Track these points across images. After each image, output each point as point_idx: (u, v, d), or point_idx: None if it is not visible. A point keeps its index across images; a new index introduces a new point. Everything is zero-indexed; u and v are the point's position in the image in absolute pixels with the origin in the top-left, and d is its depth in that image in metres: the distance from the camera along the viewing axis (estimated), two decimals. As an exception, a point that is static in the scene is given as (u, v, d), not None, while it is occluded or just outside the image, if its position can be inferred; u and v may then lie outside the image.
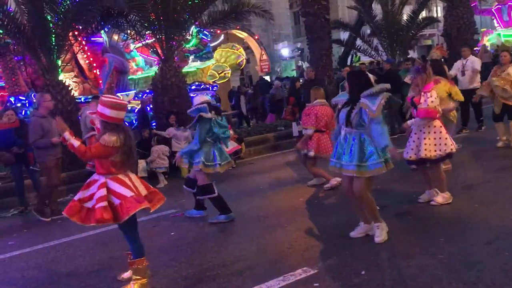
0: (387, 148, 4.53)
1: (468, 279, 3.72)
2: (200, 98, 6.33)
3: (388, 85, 4.65)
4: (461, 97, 7.35)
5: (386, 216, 5.53)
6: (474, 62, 10.13)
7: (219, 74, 16.00)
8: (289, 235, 5.27)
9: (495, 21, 27.66)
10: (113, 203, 4.02)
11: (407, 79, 9.70)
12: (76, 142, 4.19)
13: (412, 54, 22.63)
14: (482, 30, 26.64)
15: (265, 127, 13.38)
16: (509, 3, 26.26)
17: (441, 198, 5.74)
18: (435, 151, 5.63)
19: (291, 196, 7.10)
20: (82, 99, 12.01)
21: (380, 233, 4.75)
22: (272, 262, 4.56)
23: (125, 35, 12.32)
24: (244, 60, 18.40)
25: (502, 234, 4.58)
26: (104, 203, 3.97)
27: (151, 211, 4.31)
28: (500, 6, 26.92)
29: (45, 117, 7.28)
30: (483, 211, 5.32)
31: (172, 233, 5.89)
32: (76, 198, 4.15)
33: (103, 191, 4.02)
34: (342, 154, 4.79)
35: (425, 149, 5.64)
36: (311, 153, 7.15)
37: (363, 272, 4.04)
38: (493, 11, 27.46)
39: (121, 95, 12.80)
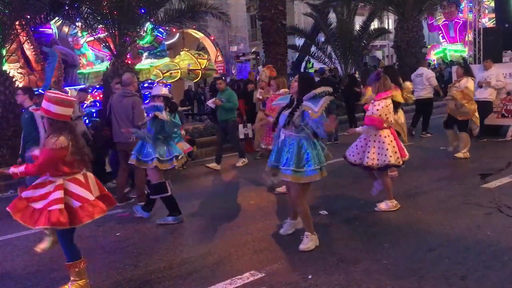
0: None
1: (410, 285, 3.82)
2: (159, 90, 6.11)
3: (330, 88, 4.69)
4: (401, 99, 7.15)
5: (334, 221, 5.64)
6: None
7: (163, 73, 15.48)
8: (238, 238, 5.24)
9: (441, 36, 29.01)
10: (71, 206, 3.81)
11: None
12: (19, 169, 3.89)
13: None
14: (429, 46, 27.82)
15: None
16: (455, 20, 27.59)
17: (384, 204, 5.88)
18: (378, 160, 5.76)
19: (242, 198, 7.07)
20: (27, 92, 11.47)
21: (307, 242, 4.71)
22: (219, 265, 4.51)
23: (75, 28, 11.85)
24: (199, 72, 17.06)
25: (444, 241, 4.74)
26: (61, 206, 3.74)
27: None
28: (447, 22, 28.28)
29: None
30: (427, 219, 5.50)
31: (118, 234, 5.71)
32: (23, 195, 3.89)
33: (60, 193, 3.79)
34: (280, 157, 4.78)
35: (368, 157, 5.77)
36: None
37: (310, 277, 4.07)
38: (440, 26, 28.79)
39: (69, 89, 12.37)
